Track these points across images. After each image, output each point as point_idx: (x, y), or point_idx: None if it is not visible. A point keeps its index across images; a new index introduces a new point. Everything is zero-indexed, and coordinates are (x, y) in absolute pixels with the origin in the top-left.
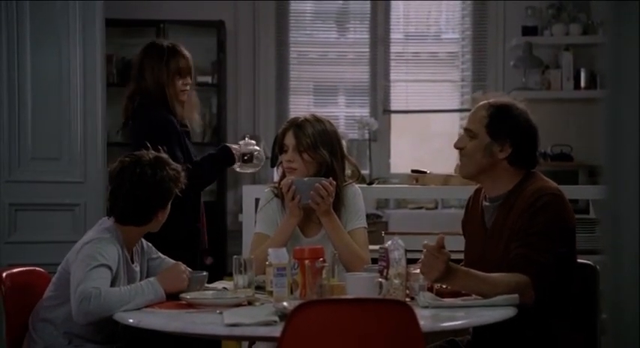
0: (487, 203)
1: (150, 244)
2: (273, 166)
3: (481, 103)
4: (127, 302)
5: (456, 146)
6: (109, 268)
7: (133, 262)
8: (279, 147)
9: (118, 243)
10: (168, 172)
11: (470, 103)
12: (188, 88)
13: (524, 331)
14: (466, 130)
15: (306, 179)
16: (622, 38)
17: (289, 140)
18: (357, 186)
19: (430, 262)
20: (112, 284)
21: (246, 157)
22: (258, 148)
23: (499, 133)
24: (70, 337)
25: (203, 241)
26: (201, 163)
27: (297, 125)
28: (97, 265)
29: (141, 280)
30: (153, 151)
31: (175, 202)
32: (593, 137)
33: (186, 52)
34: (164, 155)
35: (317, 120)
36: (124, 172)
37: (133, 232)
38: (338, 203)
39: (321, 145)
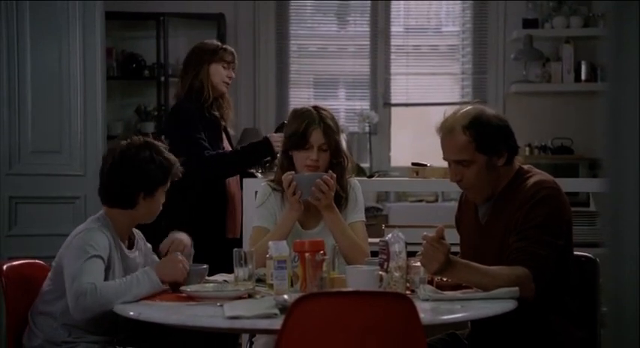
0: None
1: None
2: (274, 158)
3: (451, 125)
4: (124, 294)
5: (454, 180)
6: (101, 258)
7: (131, 249)
8: (299, 142)
9: (107, 231)
10: (153, 157)
11: (437, 132)
12: (230, 81)
13: (523, 324)
14: (456, 162)
15: (306, 174)
16: (623, 31)
17: (317, 139)
18: (355, 179)
19: (430, 253)
20: (107, 272)
21: (267, 164)
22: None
23: (492, 147)
24: (70, 329)
25: (230, 229)
26: (224, 154)
27: (325, 124)
28: (89, 258)
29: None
30: (145, 137)
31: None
32: (593, 130)
33: (234, 52)
34: (156, 142)
35: (332, 114)
36: (110, 152)
37: (123, 217)
38: (344, 202)
39: (341, 143)
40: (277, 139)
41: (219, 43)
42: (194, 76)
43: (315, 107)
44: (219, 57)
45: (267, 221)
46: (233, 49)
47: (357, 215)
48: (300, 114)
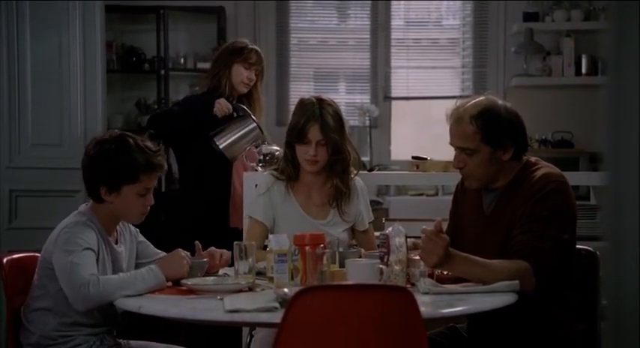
0: (487, 192)
1: (137, 229)
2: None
3: (460, 114)
4: (127, 288)
5: (456, 166)
6: (92, 250)
7: (117, 243)
8: (298, 136)
9: (94, 225)
10: (110, 154)
11: (447, 118)
12: (251, 83)
13: (523, 316)
14: (461, 149)
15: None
16: (623, 24)
17: (314, 135)
18: (359, 179)
19: (429, 247)
20: (97, 267)
21: (267, 158)
22: (277, 148)
23: (498, 140)
24: (66, 322)
25: (234, 218)
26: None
27: (324, 120)
28: (82, 250)
29: (130, 262)
30: (123, 133)
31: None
32: (594, 124)
33: (262, 54)
34: (132, 139)
35: (335, 109)
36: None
37: (105, 212)
38: (346, 197)
39: (342, 140)
40: (222, 105)
41: (247, 44)
42: (214, 75)
43: (320, 100)
44: (243, 57)
45: (264, 215)
46: (260, 50)
47: (368, 217)
48: (303, 106)
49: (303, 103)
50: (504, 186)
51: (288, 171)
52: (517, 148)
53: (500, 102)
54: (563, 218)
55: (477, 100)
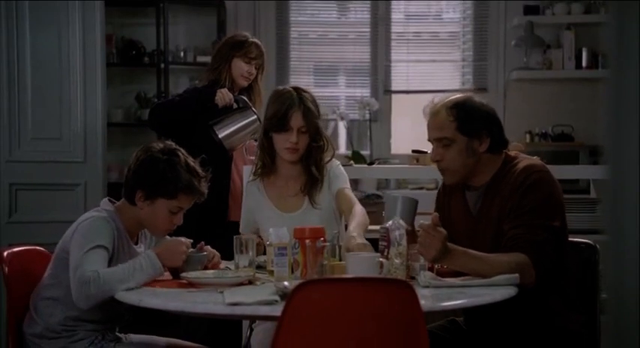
0: (470, 192)
1: None
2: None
3: (437, 108)
4: (127, 281)
5: (434, 159)
6: (106, 248)
7: (137, 244)
8: (279, 124)
9: (113, 223)
10: (159, 163)
11: (425, 115)
12: (251, 77)
13: (521, 308)
14: (438, 140)
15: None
16: (625, 17)
17: (297, 122)
18: (334, 160)
19: (427, 241)
20: (112, 263)
21: None
22: None
23: (473, 129)
24: (71, 316)
25: (233, 212)
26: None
27: (305, 106)
28: (93, 247)
29: None
30: (172, 144)
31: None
32: (594, 117)
33: (262, 48)
34: (182, 157)
35: (313, 96)
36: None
37: (130, 214)
38: (318, 182)
39: (321, 127)
40: (224, 95)
41: (247, 37)
42: (214, 69)
43: (296, 89)
44: (243, 52)
45: (246, 223)
46: (260, 44)
47: (342, 184)
48: (281, 96)
49: (280, 93)
50: (487, 183)
51: (266, 162)
52: (493, 141)
53: (476, 98)
54: (551, 207)
55: (453, 96)
